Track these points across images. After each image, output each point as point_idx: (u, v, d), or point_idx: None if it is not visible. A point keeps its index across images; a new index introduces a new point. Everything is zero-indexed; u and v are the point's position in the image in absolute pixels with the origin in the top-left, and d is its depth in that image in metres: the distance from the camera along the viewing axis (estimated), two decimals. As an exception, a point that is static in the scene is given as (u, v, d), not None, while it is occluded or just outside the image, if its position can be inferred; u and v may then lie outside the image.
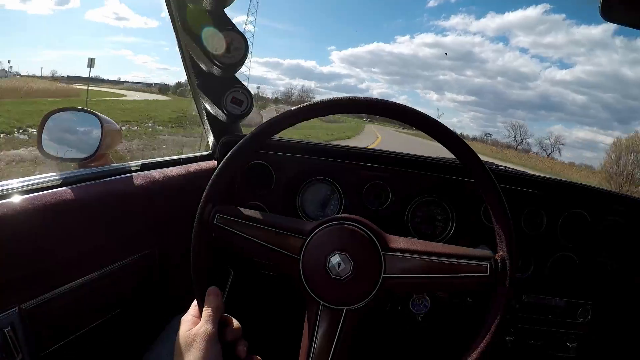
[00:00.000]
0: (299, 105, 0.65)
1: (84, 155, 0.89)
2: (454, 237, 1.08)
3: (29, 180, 0.71)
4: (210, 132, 1.11)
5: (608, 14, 0.67)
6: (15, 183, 0.69)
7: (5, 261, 0.60)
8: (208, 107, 1.03)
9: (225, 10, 0.90)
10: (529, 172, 1.32)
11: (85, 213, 0.72)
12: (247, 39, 0.91)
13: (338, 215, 0.64)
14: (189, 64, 0.97)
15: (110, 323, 0.82)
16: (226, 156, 0.63)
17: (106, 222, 0.77)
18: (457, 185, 1.06)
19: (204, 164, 1.08)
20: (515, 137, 49.78)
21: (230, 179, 0.66)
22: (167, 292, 0.96)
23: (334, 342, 0.59)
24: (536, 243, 1.09)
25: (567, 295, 1.11)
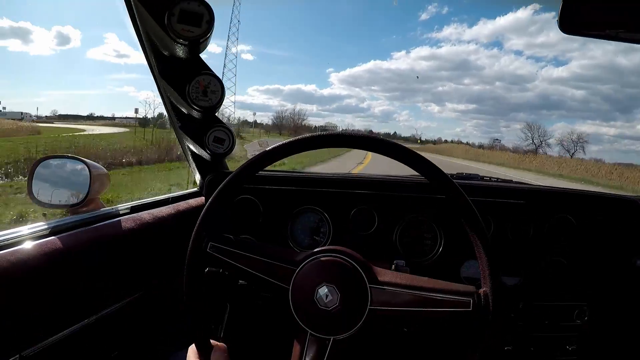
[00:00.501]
0: (273, 146, 0.70)
1: (74, 201, 0.91)
2: (443, 254, 1.10)
3: (21, 230, 0.73)
4: (197, 170, 1.14)
5: (567, 28, 0.72)
6: (8, 234, 0.70)
7: (4, 310, 0.61)
8: (191, 147, 1.06)
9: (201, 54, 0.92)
10: (515, 179, 1.36)
11: (79, 260, 0.74)
12: (224, 84, 0.92)
13: (326, 248, 0.67)
14: (170, 108, 1.00)
15: None
16: (214, 194, 0.67)
17: (100, 267, 0.79)
18: (440, 202, 1.09)
19: (192, 202, 1.11)
20: (533, 139, 44.33)
21: (219, 214, 0.69)
22: (163, 330, 0.96)
23: None
24: (525, 250, 1.11)
25: (561, 299, 1.12)
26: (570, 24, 0.72)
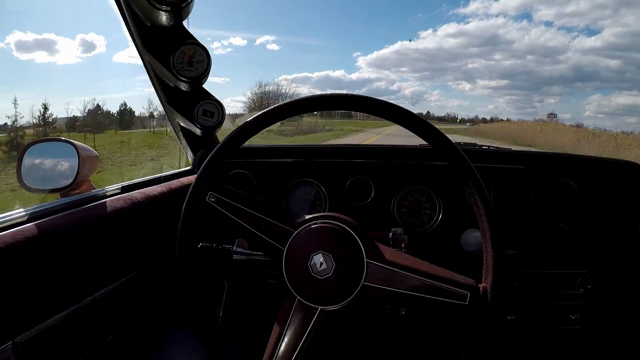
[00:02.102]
0: (264, 110, 0.67)
1: (63, 185, 0.90)
2: (442, 223, 1.09)
3: (12, 214, 0.73)
4: (188, 147, 1.12)
5: None
6: None
7: None
8: (181, 122, 1.04)
9: (186, 24, 0.89)
10: (513, 148, 1.33)
11: (69, 241, 0.74)
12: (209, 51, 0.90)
13: (328, 214, 0.65)
14: (156, 82, 0.98)
15: (106, 348, 0.83)
16: (215, 148, 0.66)
17: (91, 248, 0.79)
18: (440, 170, 1.07)
19: (185, 180, 1.10)
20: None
21: (223, 168, 0.67)
22: (158, 310, 0.98)
23: (302, 339, 0.62)
24: (527, 217, 1.09)
25: (564, 267, 1.11)
26: None
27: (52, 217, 0.75)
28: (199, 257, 0.78)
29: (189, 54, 0.88)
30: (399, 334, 1.14)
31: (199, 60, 0.88)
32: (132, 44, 0.93)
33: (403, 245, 0.76)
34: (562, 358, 1.18)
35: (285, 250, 0.64)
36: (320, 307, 0.62)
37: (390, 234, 0.79)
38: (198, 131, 1.01)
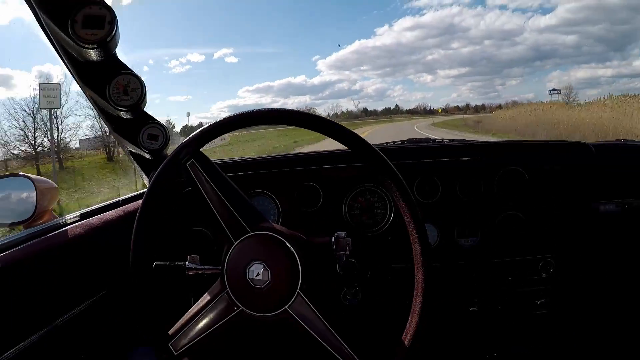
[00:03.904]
0: (201, 128, 0.77)
1: (24, 218, 0.96)
2: (395, 222, 1.10)
3: None
4: (141, 170, 1.17)
5: None
6: None
7: None
8: (130, 148, 1.08)
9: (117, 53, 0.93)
10: (467, 139, 1.35)
11: (32, 271, 0.79)
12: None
13: (277, 234, 0.72)
14: (99, 112, 1.01)
15: None
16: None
17: (54, 276, 0.83)
18: None
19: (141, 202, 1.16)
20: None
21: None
22: (126, 326, 1.02)
23: (213, 327, 0.71)
24: (478, 208, 1.11)
25: (524, 254, 1.11)
26: None
27: (14, 249, 0.80)
28: (155, 275, 0.80)
29: (123, 83, 0.92)
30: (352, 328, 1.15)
31: (133, 89, 0.92)
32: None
33: (347, 248, 0.76)
34: (534, 343, 1.19)
35: (234, 245, 0.72)
36: (242, 308, 0.70)
37: (333, 238, 0.77)
38: (147, 155, 1.04)
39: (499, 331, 1.19)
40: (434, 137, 1.40)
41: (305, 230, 0.80)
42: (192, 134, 0.77)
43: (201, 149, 0.78)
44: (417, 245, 0.69)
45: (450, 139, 1.39)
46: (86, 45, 0.81)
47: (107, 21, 0.81)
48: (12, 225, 0.94)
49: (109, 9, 0.81)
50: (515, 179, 1.11)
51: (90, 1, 0.81)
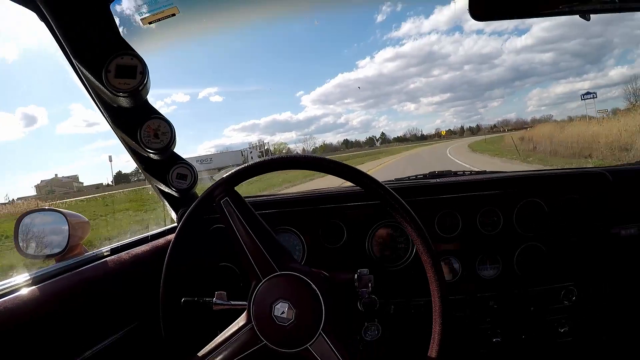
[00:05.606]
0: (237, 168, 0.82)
1: (58, 250, 0.98)
2: (416, 255, 1.08)
3: (11, 281, 0.80)
4: (170, 208, 1.21)
5: (477, 15, 0.77)
6: None
7: None
8: (160, 186, 1.12)
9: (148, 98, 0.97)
10: (488, 170, 1.36)
11: (66, 302, 0.81)
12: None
13: (303, 274, 0.75)
14: (131, 153, 1.05)
15: None
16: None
17: (86, 307, 0.85)
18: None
19: (170, 237, 1.18)
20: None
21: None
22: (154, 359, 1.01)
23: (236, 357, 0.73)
24: (498, 240, 1.12)
25: (545, 283, 1.11)
26: (481, 10, 0.77)
27: (49, 281, 0.82)
28: (183, 311, 0.83)
29: (153, 127, 0.96)
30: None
31: (163, 132, 0.97)
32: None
33: (370, 285, 0.78)
34: None
35: (262, 283, 0.74)
36: (265, 342, 0.72)
37: (356, 275, 0.79)
38: (176, 193, 1.08)
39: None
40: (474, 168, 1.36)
41: (329, 266, 0.83)
42: (228, 173, 0.81)
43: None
44: (433, 281, 0.72)
45: (471, 171, 1.42)
46: (118, 94, 0.86)
47: (138, 71, 0.86)
48: (47, 258, 0.97)
49: (140, 59, 0.87)
50: (534, 211, 1.12)
51: (122, 52, 0.86)
